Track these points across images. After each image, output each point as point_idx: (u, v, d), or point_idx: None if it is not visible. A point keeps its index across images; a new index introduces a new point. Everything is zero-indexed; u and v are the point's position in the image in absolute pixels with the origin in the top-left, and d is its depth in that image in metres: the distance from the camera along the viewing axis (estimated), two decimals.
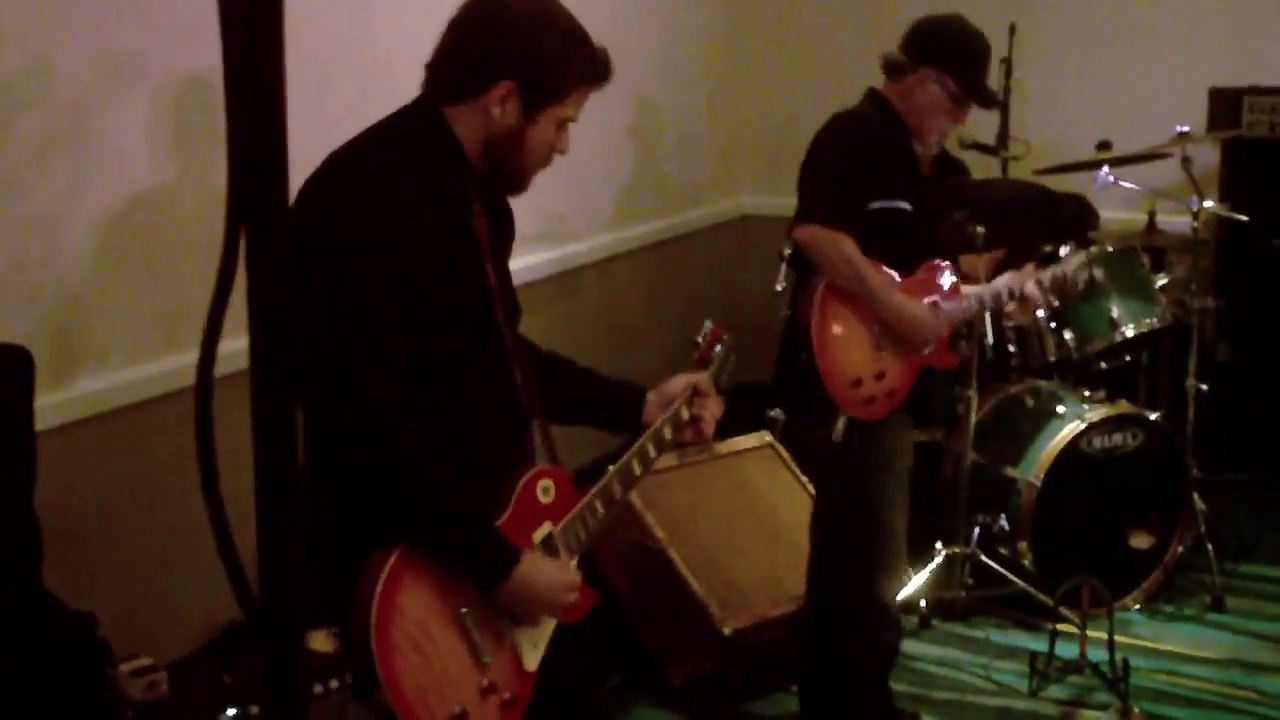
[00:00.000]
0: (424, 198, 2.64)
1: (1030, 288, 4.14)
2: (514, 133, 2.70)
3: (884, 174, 3.81)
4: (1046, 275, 4.22)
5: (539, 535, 2.74)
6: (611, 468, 2.89)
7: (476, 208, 2.76)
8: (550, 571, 2.70)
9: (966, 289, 4.05)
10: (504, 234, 2.92)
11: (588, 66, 2.73)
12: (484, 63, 2.68)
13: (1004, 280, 4.15)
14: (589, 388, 3.08)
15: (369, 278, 2.53)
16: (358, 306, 2.52)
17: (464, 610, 2.61)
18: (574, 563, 2.81)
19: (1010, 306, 4.22)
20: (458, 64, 2.71)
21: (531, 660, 2.74)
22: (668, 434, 2.94)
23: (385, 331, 2.53)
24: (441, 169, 2.70)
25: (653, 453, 2.94)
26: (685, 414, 2.96)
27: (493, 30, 2.69)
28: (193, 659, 3.69)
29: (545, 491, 2.78)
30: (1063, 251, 4.79)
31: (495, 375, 2.79)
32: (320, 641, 2.61)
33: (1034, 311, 4.33)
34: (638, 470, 2.92)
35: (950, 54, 3.86)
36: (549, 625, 2.77)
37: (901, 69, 3.88)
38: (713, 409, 2.99)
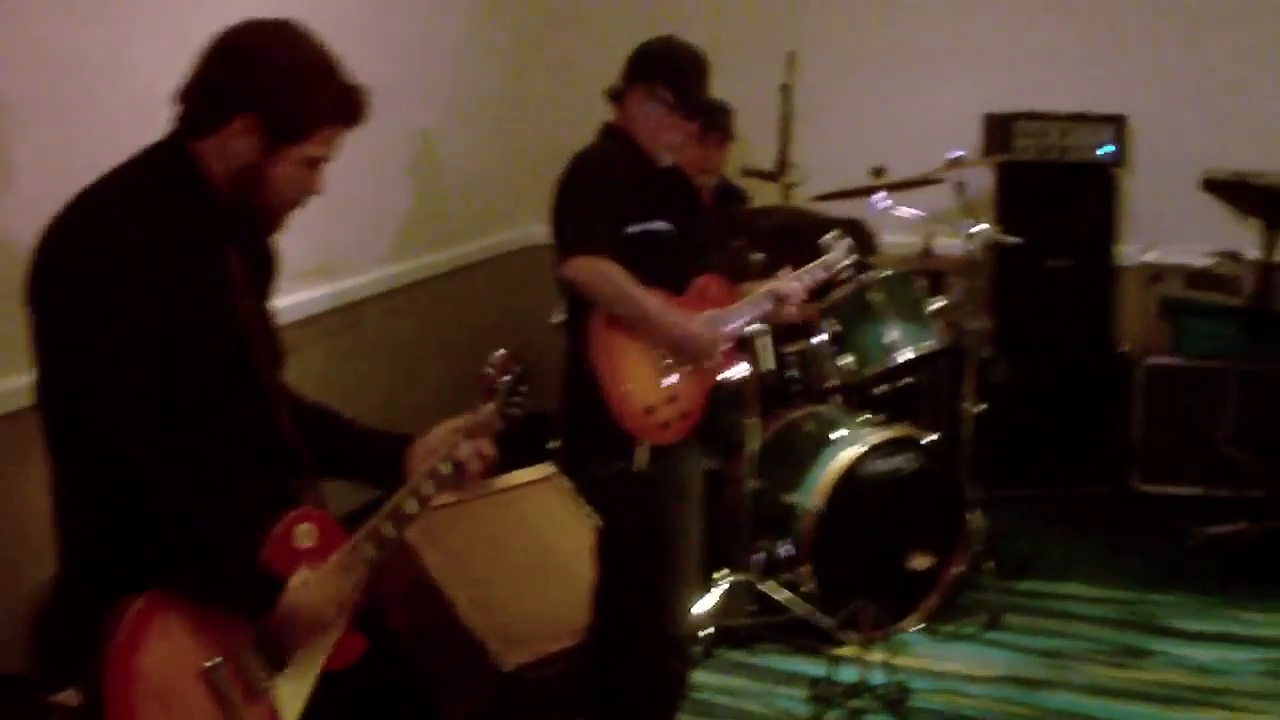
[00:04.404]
0: (167, 237, 2.55)
1: (789, 285, 4.16)
2: (255, 170, 2.62)
3: (632, 198, 3.82)
4: (806, 268, 4.26)
5: (296, 581, 2.67)
6: (382, 509, 2.82)
7: (230, 246, 2.68)
8: (321, 584, 2.64)
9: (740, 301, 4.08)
10: (263, 273, 2.84)
11: (335, 105, 2.66)
12: (223, 96, 2.60)
13: (769, 284, 4.17)
14: (348, 440, 2.99)
15: (113, 321, 2.45)
16: (103, 350, 2.44)
17: (213, 664, 2.53)
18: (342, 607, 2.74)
19: (781, 308, 4.23)
20: (199, 96, 2.63)
21: (291, 713, 2.66)
22: (426, 490, 2.85)
23: (131, 373, 2.45)
24: (186, 208, 2.61)
25: (426, 492, 2.86)
26: (446, 469, 2.87)
27: (234, 63, 2.61)
28: None
29: (306, 535, 2.70)
30: (825, 242, 4.75)
31: (253, 418, 2.71)
32: (72, 698, 2.52)
33: (801, 302, 4.30)
34: (412, 510, 2.82)
35: (658, 67, 3.91)
36: (312, 673, 2.70)
37: (621, 93, 3.93)
38: (483, 452, 2.92)
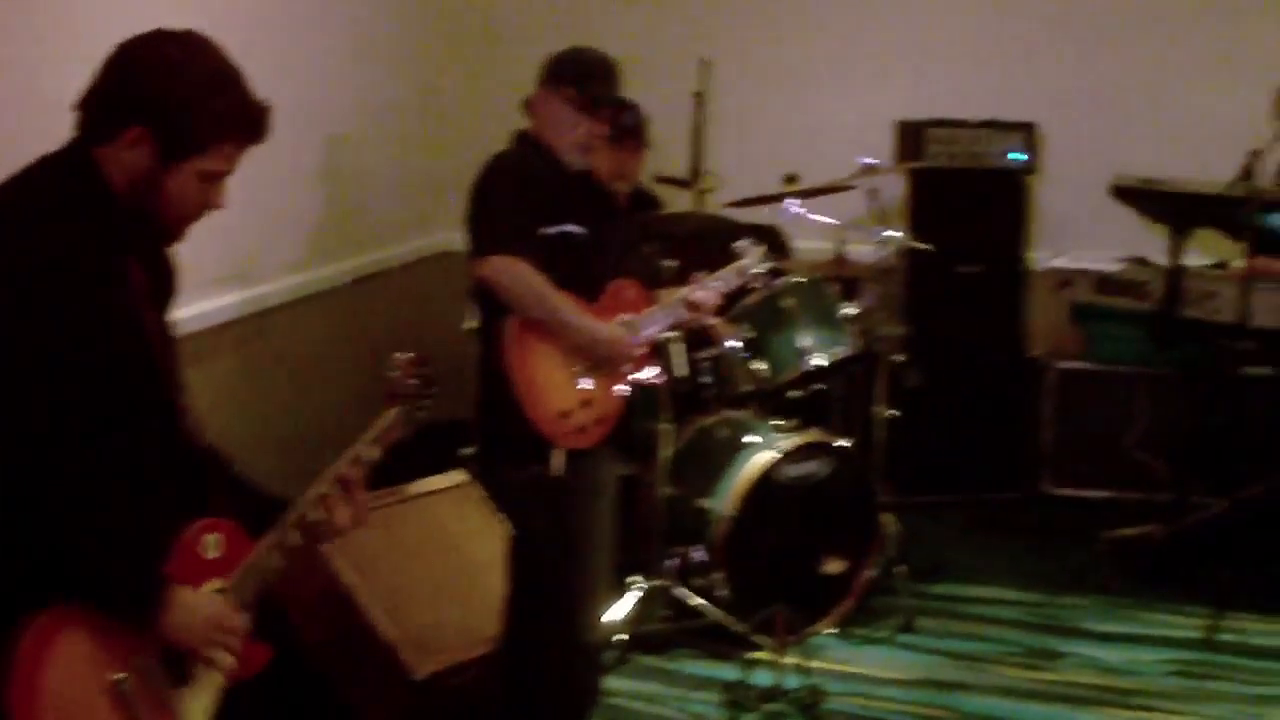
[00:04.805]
0: (71, 247, 2.51)
1: (703, 292, 4.17)
2: (150, 182, 2.57)
3: (546, 201, 3.82)
4: (719, 275, 4.28)
5: (207, 590, 2.63)
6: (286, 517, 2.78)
7: (132, 257, 2.64)
8: (210, 604, 2.61)
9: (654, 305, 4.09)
10: (163, 284, 2.80)
11: (234, 121, 2.60)
12: (119, 105, 2.55)
13: (682, 291, 4.18)
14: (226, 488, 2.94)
15: (14, 332, 2.41)
16: (2, 363, 2.40)
17: (119, 678, 2.49)
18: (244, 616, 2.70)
19: (695, 315, 4.24)
20: (97, 104, 2.58)
21: None
22: (330, 491, 2.81)
23: (34, 388, 2.41)
24: (88, 217, 2.56)
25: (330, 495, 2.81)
26: (351, 470, 2.84)
27: (132, 72, 2.57)
28: None
29: (213, 546, 2.66)
30: (738, 248, 4.76)
31: (158, 428, 2.68)
32: None
33: (712, 312, 4.32)
34: (317, 517, 2.77)
35: (563, 67, 3.94)
36: (216, 684, 2.67)
37: (532, 100, 3.95)
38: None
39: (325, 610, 4.40)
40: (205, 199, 2.65)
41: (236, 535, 2.71)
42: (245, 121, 2.63)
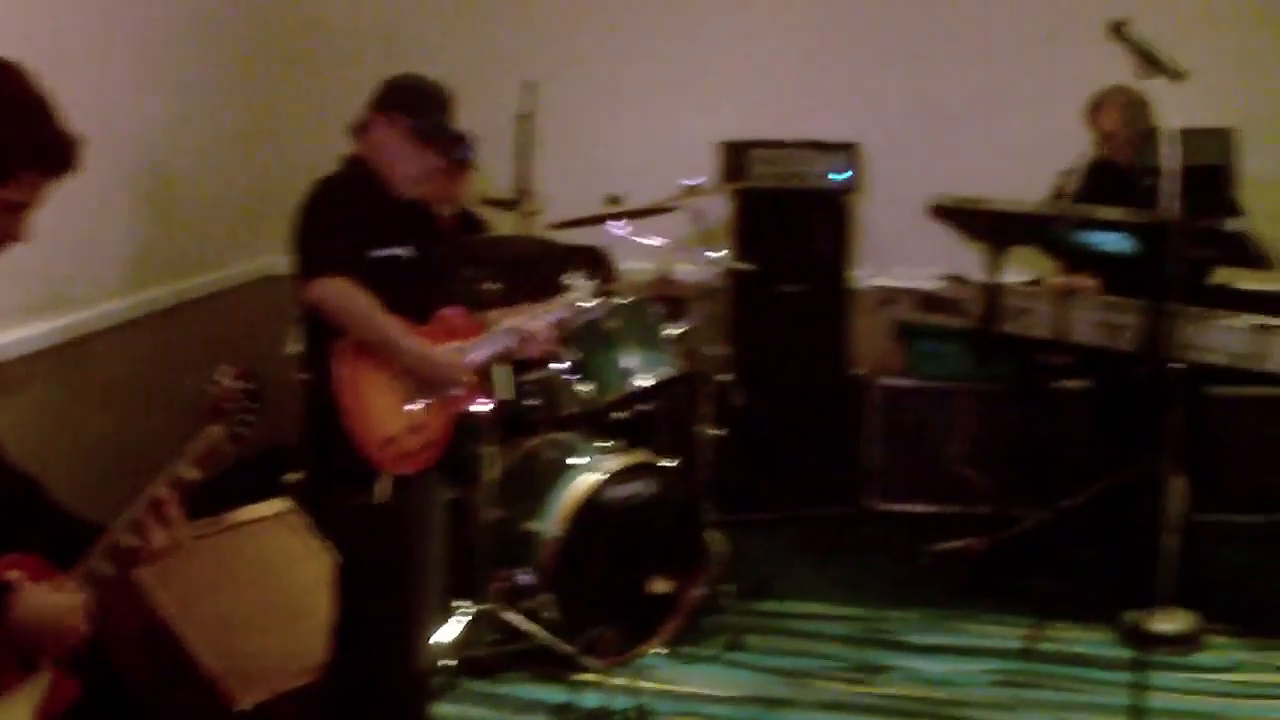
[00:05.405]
0: None
1: (535, 324, 4.18)
2: None
3: (373, 223, 3.80)
4: (551, 308, 4.28)
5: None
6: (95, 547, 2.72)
7: None
8: (54, 595, 2.58)
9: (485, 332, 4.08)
10: None
11: (36, 151, 2.55)
12: None
13: (513, 320, 4.18)
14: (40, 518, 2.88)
15: None
16: None
17: None
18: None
19: (524, 345, 4.24)
20: None
21: None
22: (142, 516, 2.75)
23: None
24: None
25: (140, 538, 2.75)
26: (164, 493, 2.78)
27: None
28: None
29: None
30: (569, 280, 4.78)
31: None
32: None
33: (546, 345, 4.33)
34: (130, 542, 2.72)
35: (397, 97, 3.91)
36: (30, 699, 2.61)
37: (362, 125, 3.92)
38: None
39: (146, 642, 4.32)
40: (7, 229, 2.60)
41: (40, 569, 2.65)
42: (49, 152, 2.57)
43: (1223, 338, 4.89)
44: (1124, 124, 5.53)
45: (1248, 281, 5.41)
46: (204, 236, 6.33)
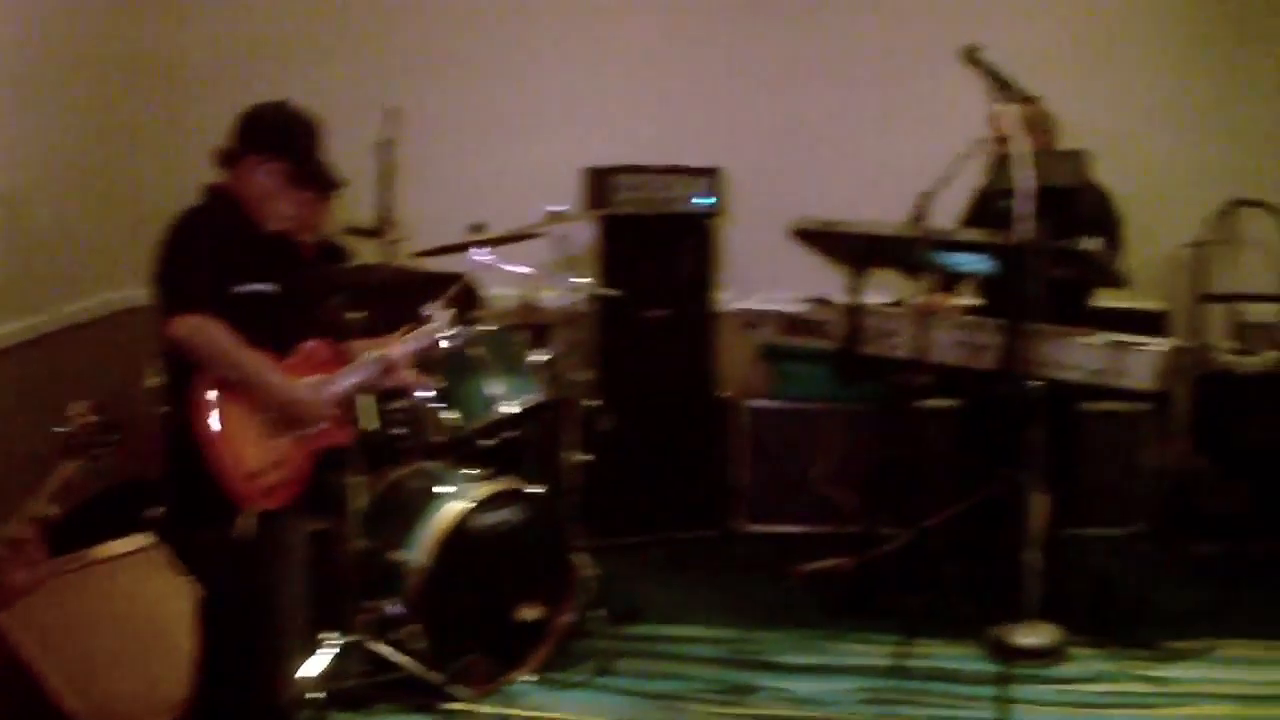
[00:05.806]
0: None
1: (396, 352, 4.18)
2: None
3: (237, 259, 3.78)
4: (410, 339, 4.28)
5: None
6: None
7: None
8: None
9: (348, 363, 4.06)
10: None
11: None
12: None
13: (375, 352, 4.17)
14: None
15: None
16: None
17: None
18: None
19: (387, 375, 4.23)
20: None
21: None
22: None
23: None
24: None
25: None
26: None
27: None
28: None
29: None
30: (428, 311, 4.77)
31: None
32: None
33: (406, 374, 4.33)
34: None
35: (273, 138, 3.89)
36: None
37: (231, 157, 3.89)
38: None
39: (5, 683, 4.23)
40: None
41: None
42: None
43: (1080, 355, 4.99)
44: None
45: (1118, 300, 5.54)
46: (59, 269, 6.21)
